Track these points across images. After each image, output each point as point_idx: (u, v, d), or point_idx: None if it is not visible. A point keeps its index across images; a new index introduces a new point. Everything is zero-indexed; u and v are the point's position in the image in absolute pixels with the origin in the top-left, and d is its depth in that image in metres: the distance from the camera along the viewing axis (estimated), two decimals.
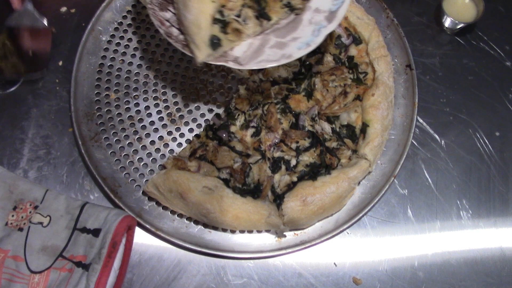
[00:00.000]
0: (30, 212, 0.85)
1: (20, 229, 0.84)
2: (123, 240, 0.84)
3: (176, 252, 0.88)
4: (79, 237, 0.83)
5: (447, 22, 1.06)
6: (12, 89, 1.00)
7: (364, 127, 0.91)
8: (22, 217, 0.85)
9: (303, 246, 0.86)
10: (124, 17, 1.04)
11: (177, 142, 0.95)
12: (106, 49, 1.01)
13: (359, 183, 0.90)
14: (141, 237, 0.89)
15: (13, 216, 0.85)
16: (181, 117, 0.97)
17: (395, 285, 0.88)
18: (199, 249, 0.85)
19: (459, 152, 0.98)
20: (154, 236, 0.88)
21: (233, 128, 0.93)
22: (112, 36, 1.02)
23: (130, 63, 1.00)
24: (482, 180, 0.97)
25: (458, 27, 1.06)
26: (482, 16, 1.04)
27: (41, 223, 0.84)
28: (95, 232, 0.82)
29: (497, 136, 1.00)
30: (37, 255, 0.82)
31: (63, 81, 1.01)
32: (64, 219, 0.84)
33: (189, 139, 0.95)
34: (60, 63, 1.02)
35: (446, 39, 1.09)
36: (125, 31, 1.03)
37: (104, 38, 1.01)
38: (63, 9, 1.07)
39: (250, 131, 0.92)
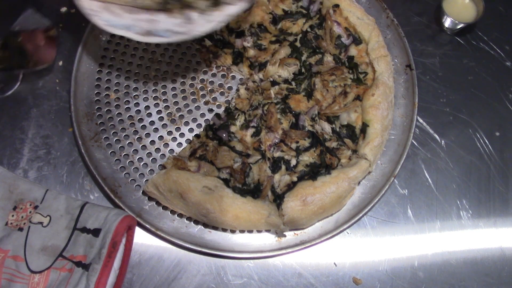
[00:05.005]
0: (30, 212, 0.85)
1: (20, 229, 0.84)
2: (123, 240, 0.84)
3: (176, 252, 0.88)
4: (79, 237, 0.83)
5: (447, 22, 1.06)
6: (10, 92, 1.00)
7: (364, 127, 0.91)
8: (22, 217, 0.85)
9: (303, 246, 0.86)
10: None
11: (177, 142, 0.95)
12: (106, 49, 1.01)
13: (359, 183, 0.90)
14: (141, 237, 0.88)
15: (13, 216, 0.85)
16: (181, 117, 0.97)
17: (395, 285, 0.88)
18: (199, 249, 0.85)
19: (459, 152, 0.98)
20: (154, 236, 0.88)
21: (233, 128, 0.93)
22: (112, 36, 1.02)
23: (130, 63, 1.00)
24: (482, 180, 0.97)
25: (458, 27, 1.06)
26: (482, 16, 1.04)
27: (41, 223, 0.84)
28: (95, 232, 0.82)
29: (497, 136, 1.00)
30: (37, 255, 0.82)
31: (63, 81, 1.01)
32: (64, 219, 0.84)
33: (189, 139, 0.95)
34: (60, 63, 1.02)
35: (446, 39, 1.09)
36: None
37: (104, 38, 1.01)
38: (63, 9, 1.07)
39: (250, 131, 0.92)
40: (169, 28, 0.85)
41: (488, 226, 0.93)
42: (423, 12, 1.11)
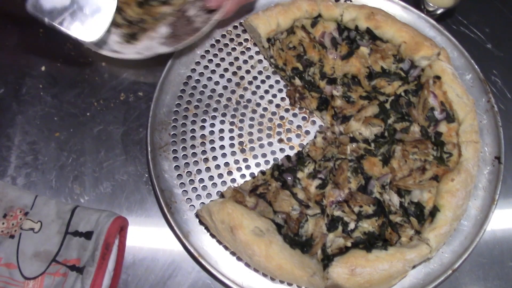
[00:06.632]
0: (20, 218, 0.86)
1: (12, 236, 0.85)
2: (116, 242, 0.85)
3: (170, 251, 0.89)
4: (71, 241, 0.84)
5: (427, 8, 1.06)
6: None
7: (435, 210, 0.86)
8: (12, 224, 0.86)
9: None
10: (223, 36, 1.03)
11: (241, 173, 0.92)
12: (198, 63, 0.99)
13: (414, 266, 0.85)
14: (134, 238, 0.89)
15: (3, 223, 0.86)
16: (252, 148, 0.94)
17: None
18: None
19: None
20: (195, 262, 0.86)
21: (300, 174, 0.89)
22: (207, 51, 1.00)
23: (217, 83, 0.98)
24: None
25: (438, 12, 1.06)
26: (461, 0, 1.04)
27: (32, 229, 0.85)
28: (87, 235, 0.83)
29: None
30: (30, 261, 0.83)
31: (46, 86, 1.00)
32: (56, 223, 0.85)
33: (253, 173, 0.92)
34: (43, 68, 1.02)
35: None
36: (220, 49, 1.01)
37: (198, 52, 1.00)
38: None
39: (316, 182, 0.89)
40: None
41: None
42: None
